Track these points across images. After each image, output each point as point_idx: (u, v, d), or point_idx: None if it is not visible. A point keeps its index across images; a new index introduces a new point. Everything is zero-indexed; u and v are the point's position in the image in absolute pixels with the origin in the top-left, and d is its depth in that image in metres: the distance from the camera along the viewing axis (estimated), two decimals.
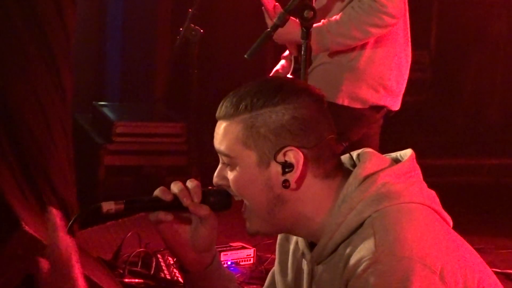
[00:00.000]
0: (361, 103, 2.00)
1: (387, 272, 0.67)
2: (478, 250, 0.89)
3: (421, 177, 0.83)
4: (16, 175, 2.22)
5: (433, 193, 0.84)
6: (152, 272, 2.03)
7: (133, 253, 2.12)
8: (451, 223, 0.85)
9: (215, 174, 0.83)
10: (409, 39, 2.17)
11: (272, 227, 0.82)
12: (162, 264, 2.09)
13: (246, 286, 2.10)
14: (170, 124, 3.10)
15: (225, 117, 0.79)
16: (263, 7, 2.11)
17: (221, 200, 0.84)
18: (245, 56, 1.74)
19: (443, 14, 3.87)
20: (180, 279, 1.97)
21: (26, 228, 1.81)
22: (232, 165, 0.80)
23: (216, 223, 0.86)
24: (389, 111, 2.09)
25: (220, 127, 0.80)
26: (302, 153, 0.74)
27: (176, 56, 2.24)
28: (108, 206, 0.79)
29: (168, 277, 2.02)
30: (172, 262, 2.04)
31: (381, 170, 0.77)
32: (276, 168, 0.77)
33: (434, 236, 0.74)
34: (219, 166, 0.83)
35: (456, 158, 3.67)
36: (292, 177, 0.76)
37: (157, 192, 0.82)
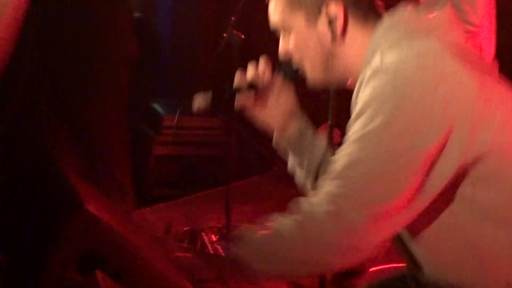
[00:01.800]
0: None
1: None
2: None
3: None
4: (78, 163, 2.53)
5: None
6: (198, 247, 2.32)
7: (181, 231, 2.40)
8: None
9: (279, 50, 0.96)
10: None
11: (327, 80, 0.93)
12: (207, 241, 2.35)
13: None
14: (210, 119, 3.38)
15: None
16: None
17: (287, 69, 0.98)
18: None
19: None
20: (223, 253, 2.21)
21: (89, 208, 2.14)
22: (288, 31, 0.90)
23: (289, 89, 1.03)
24: None
25: (271, 4, 0.92)
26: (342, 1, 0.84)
27: (219, 59, 2.47)
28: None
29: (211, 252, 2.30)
30: (214, 239, 2.31)
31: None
32: (322, 23, 0.85)
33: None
34: (280, 41, 0.94)
35: None
36: (337, 28, 0.84)
37: (236, 81, 1.00)
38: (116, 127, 2.57)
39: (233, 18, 2.16)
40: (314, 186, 0.96)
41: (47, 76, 2.31)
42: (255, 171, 3.11)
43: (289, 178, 1.20)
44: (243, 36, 2.19)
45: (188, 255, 1.22)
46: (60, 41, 2.14)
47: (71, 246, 1.47)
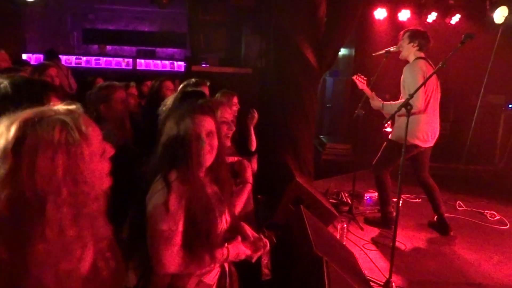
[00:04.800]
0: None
1: None
2: None
3: None
4: (295, 161, 5.45)
5: None
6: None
7: (332, 191, 5.51)
8: None
9: None
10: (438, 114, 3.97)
11: None
12: (343, 197, 5.34)
13: None
14: (343, 145, 6.53)
15: None
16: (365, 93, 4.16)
17: None
18: (384, 122, 3.48)
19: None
20: (349, 201, 5.22)
21: (297, 179, 3.86)
22: None
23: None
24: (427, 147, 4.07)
25: None
26: None
27: (354, 118, 5.55)
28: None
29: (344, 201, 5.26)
30: (347, 195, 5.31)
31: None
32: None
33: None
34: None
35: None
36: None
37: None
38: (310, 145, 5.57)
39: (360, 104, 5.13)
40: None
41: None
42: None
43: None
44: (364, 112, 5.07)
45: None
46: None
47: (290, 194, 3.90)
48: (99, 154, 0.95)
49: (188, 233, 1.59)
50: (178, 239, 1.57)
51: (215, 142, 1.70)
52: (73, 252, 0.90)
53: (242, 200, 2.27)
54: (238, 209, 2.19)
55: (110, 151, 0.99)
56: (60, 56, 6.93)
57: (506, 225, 4.54)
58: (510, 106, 7.10)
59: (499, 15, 6.19)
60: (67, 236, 0.87)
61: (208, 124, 1.68)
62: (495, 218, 4.72)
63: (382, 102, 4.14)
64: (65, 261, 0.88)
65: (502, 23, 6.22)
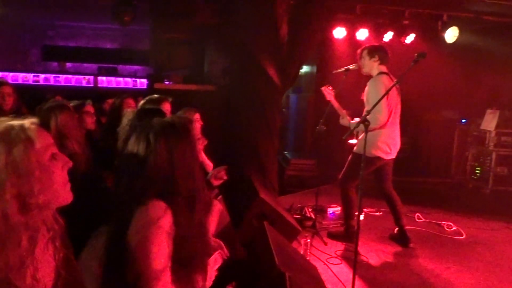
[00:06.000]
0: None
1: None
2: None
3: None
4: (260, 177, 5.52)
5: None
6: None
7: (296, 207, 5.55)
8: None
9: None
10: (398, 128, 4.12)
11: None
12: (307, 212, 5.41)
13: None
14: (308, 161, 6.62)
15: None
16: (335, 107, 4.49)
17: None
18: (343, 137, 3.29)
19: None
20: (312, 216, 5.29)
21: (261, 195, 3.79)
22: None
23: None
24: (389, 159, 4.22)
25: None
26: None
27: (316, 134, 5.65)
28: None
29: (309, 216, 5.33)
30: (311, 210, 5.38)
31: None
32: None
33: None
34: None
35: None
36: None
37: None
38: (274, 162, 5.66)
39: (321, 120, 5.25)
40: None
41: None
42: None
43: None
44: (325, 128, 5.20)
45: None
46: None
47: (254, 210, 3.84)
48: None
49: (178, 267, 1.47)
50: (169, 275, 1.44)
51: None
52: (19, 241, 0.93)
53: (214, 220, 2.23)
54: (212, 229, 2.15)
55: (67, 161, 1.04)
56: (17, 73, 6.73)
57: (462, 236, 4.71)
58: (463, 121, 7.44)
59: (451, 35, 6.52)
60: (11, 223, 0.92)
61: (188, 146, 1.55)
62: (452, 229, 4.89)
63: (350, 121, 4.24)
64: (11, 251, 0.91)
65: (454, 43, 6.56)
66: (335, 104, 4.33)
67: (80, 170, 2.16)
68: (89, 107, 3.73)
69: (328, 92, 4.33)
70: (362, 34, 6.62)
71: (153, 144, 1.49)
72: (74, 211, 1.13)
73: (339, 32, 6.67)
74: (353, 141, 4.33)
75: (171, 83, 6.29)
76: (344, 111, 4.33)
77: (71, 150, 2.34)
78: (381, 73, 4.12)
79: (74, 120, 2.55)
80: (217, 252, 1.88)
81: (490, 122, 6.72)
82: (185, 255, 1.49)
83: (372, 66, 4.17)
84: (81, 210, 1.52)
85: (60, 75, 8.48)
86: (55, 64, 9.67)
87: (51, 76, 8.44)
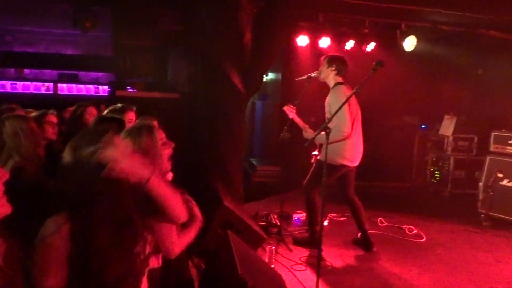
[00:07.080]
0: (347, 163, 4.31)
1: None
2: None
3: None
4: (223, 185, 5.49)
5: None
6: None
7: (261, 214, 5.55)
8: None
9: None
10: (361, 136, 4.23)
11: None
12: (272, 219, 5.39)
13: None
14: (273, 167, 6.65)
15: None
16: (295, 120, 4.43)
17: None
18: (305, 145, 3.38)
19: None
20: (277, 223, 5.29)
21: (225, 203, 3.81)
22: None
23: None
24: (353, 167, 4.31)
25: None
26: None
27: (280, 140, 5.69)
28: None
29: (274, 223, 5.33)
30: (276, 216, 5.40)
31: None
32: None
33: None
34: None
35: None
36: None
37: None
38: (239, 169, 5.63)
39: (285, 127, 5.28)
40: None
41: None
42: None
43: None
44: (289, 134, 5.24)
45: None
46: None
47: (219, 219, 3.82)
48: None
49: None
50: None
51: None
52: None
53: (191, 236, 2.13)
54: (184, 244, 2.04)
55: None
56: None
57: (423, 238, 4.85)
58: (423, 126, 7.69)
59: (409, 43, 6.74)
60: None
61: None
62: (413, 232, 5.03)
63: (313, 133, 4.27)
64: None
65: (412, 51, 6.78)
66: (298, 121, 4.40)
67: (28, 181, 2.08)
68: (52, 117, 3.57)
69: (290, 110, 4.38)
70: (325, 42, 6.73)
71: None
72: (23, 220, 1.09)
73: (302, 40, 6.76)
74: (315, 152, 4.39)
75: (134, 90, 6.18)
76: (307, 125, 4.38)
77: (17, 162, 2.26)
78: (338, 83, 4.21)
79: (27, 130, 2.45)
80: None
81: (447, 127, 6.97)
82: (106, 279, 1.39)
83: (328, 74, 4.28)
84: (29, 219, 1.47)
85: (18, 82, 8.16)
86: (12, 70, 9.29)
87: (8, 83, 8.11)
